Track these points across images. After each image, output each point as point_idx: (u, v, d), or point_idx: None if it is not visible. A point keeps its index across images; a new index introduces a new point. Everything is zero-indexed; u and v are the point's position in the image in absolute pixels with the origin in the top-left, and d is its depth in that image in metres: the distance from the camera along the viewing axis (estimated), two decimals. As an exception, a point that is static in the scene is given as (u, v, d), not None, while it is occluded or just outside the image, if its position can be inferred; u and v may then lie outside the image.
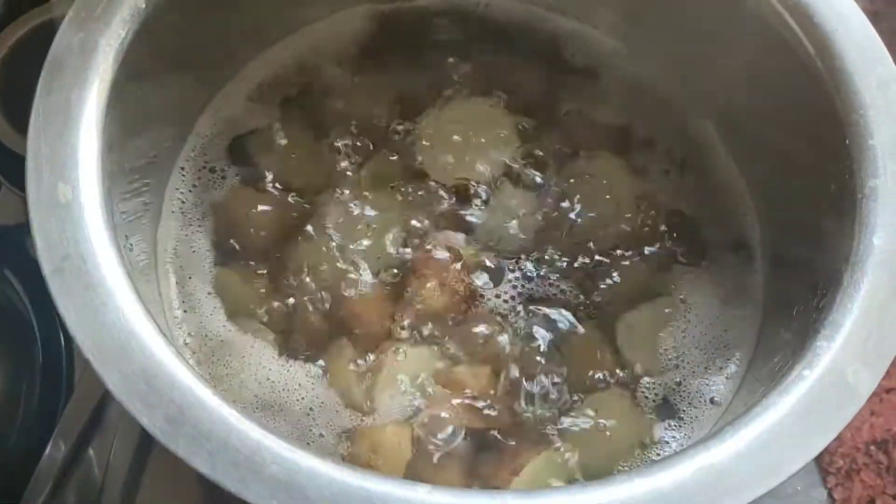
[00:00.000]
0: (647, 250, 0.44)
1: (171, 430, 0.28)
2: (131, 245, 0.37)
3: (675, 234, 0.44)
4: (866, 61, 0.36)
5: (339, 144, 0.46)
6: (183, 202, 0.44)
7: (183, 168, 0.44)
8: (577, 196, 0.45)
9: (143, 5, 0.36)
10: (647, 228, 0.44)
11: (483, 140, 0.46)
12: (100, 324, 0.29)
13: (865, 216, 0.33)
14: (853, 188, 0.34)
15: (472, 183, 0.46)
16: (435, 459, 0.39)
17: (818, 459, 0.62)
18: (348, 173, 0.46)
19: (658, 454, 0.40)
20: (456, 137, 0.47)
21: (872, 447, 0.72)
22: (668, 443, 0.40)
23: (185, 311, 0.41)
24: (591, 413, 0.40)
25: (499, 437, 0.39)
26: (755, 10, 0.40)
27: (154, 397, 0.28)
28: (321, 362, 0.41)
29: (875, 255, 0.32)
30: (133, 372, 0.28)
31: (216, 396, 0.29)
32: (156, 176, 0.42)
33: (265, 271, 0.43)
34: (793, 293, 0.38)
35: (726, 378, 0.41)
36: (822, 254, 0.35)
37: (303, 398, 0.40)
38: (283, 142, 0.46)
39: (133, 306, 0.30)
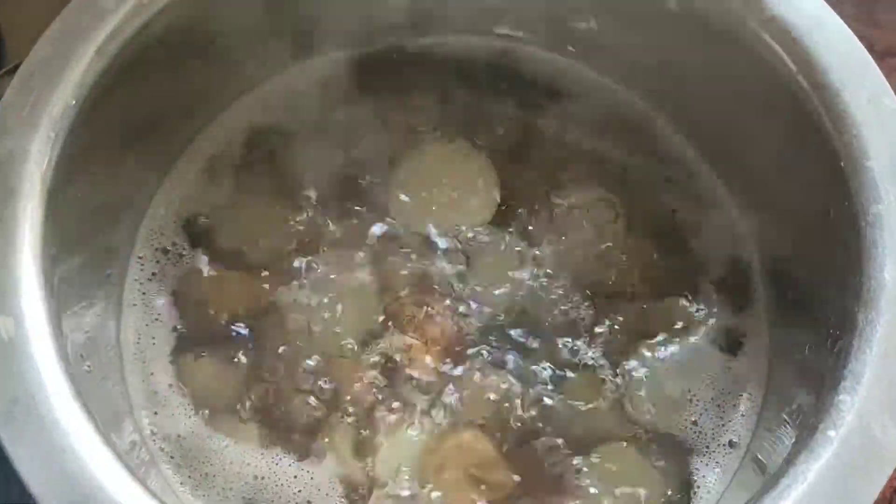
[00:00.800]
0: (640, 291, 0.41)
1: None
2: (89, 367, 0.35)
3: (667, 270, 0.42)
4: (853, 74, 0.34)
5: (304, 206, 0.44)
6: (143, 293, 0.41)
7: (141, 257, 0.41)
8: (562, 238, 0.43)
9: (73, 101, 0.33)
10: (637, 267, 0.42)
11: (458, 187, 0.44)
12: (60, 476, 0.26)
13: (871, 247, 0.31)
14: (854, 215, 0.32)
15: (450, 233, 0.43)
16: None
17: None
18: (317, 235, 0.43)
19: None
20: (430, 187, 0.44)
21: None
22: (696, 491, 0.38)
23: (155, 413, 0.38)
24: (602, 471, 0.38)
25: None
26: (729, 30, 0.37)
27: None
28: (313, 447, 0.39)
29: (888, 290, 0.30)
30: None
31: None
32: (111, 274, 0.39)
33: (238, 356, 0.40)
34: (800, 330, 0.36)
35: (742, 416, 0.39)
36: (827, 289, 0.33)
37: (299, 491, 0.38)
38: (244, 213, 0.44)
39: (95, 448, 0.27)
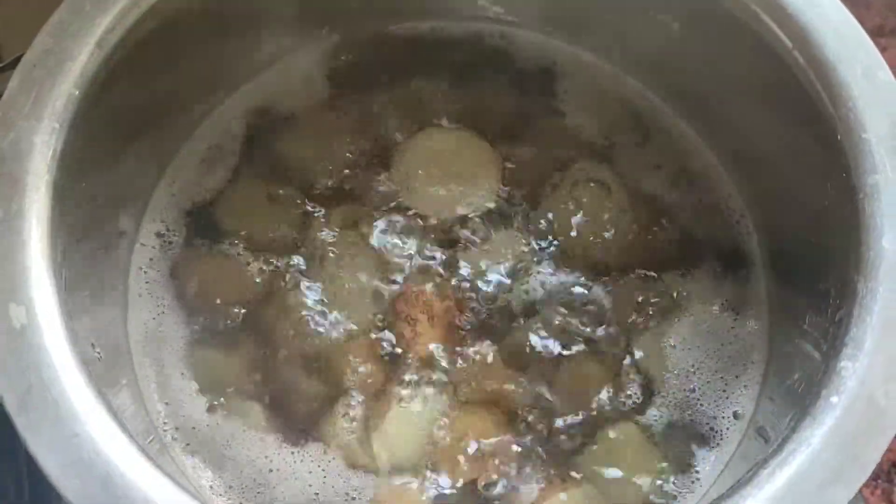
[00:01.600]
0: (641, 268, 0.42)
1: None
2: (99, 354, 0.35)
3: (670, 247, 0.43)
4: (847, 49, 0.35)
5: (305, 192, 0.44)
6: (148, 282, 0.41)
7: (144, 245, 0.42)
8: (566, 219, 0.43)
9: (76, 92, 0.33)
10: (638, 244, 0.43)
11: (462, 171, 0.44)
12: (76, 461, 0.27)
13: (870, 217, 0.31)
14: (852, 187, 0.33)
15: (455, 216, 0.43)
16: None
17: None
18: (319, 221, 0.43)
19: (694, 480, 0.38)
20: (433, 170, 0.45)
21: None
22: (698, 469, 0.38)
23: (166, 404, 0.39)
24: (604, 448, 0.38)
25: (512, 482, 0.38)
26: (727, 8, 0.38)
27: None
28: (318, 428, 0.39)
29: (888, 259, 0.30)
30: (120, 509, 0.26)
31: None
32: (117, 264, 0.40)
33: (243, 342, 0.41)
34: (800, 301, 0.36)
35: (744, 387, 0.40)
36: (827, 259, 0.34)
37: (309, 472, 0.38)
38: (245, 200, 0.44)
39: (109, 432, 0.28)
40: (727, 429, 0.39)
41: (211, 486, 0.37)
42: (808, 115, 0.35)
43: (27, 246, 0.30)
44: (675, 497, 0.38)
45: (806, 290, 0.36)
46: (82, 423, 0.27)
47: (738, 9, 0.38)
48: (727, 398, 0.40)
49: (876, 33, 0.91)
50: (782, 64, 0.36)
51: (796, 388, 0.33)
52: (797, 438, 0.28)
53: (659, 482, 0.38)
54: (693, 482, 0.38)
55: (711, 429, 0.39)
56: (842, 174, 0.33)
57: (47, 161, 0.32)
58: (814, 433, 0.28)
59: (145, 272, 0.42)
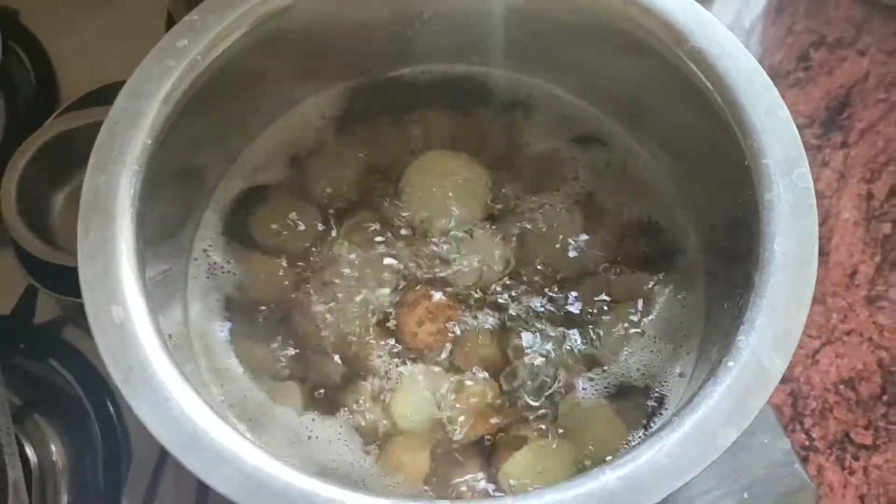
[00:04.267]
0: (604, 268, 0.52)
1: (239, 489, 0.35)
2: (175, 341, 0.45)
3: (624, 251, 0.52)
4: (755, 92, 0.44)
5: (324, 210, 0.53)
6: (200, 287, 0.51)
7: (196, 259, 0.51)
8: (532, 230, 0.52)
9: (149, 141, 0.43)
10: (592, 250, 0.52)
11: (457, 189, 0.54)
12: (169, 418, 0.36)
13: (766, 225, 0.40)
14: (755, 201, 0.42)
15: (449, 227, 0.53)
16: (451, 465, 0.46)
17: (793, 408, 0.71)
18: (334, 234, 0.53)
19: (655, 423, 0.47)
20: (433, 189, 0.54)
21: (841, 386, 0.80)
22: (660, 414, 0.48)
23: (221, 385, 0.48)
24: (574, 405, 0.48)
25: (506, 435, 0.47)
26: (663, 55, 0.47)
27: (223, 467, 0.35)
28: (343, 399, 0.48)
29: (777, 258, 0.39)
30: (203, 451, 0.36)
31: (270, 458, 0.36)
32: (180, 274, 0.49)
33: (277, 333, 0.50)
34: (722, 289, 0.45)
35: (687, 353, 0.49)
36: (738, 258, 0.43)
37: (338, 436, 0.47)
38: (277, 214, 0.53)
39: (190, 398, 0.37)
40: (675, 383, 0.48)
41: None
42: (726, 144, 0.44)
43: (120, 262, 0.40)
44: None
45: (725, 281, 0.45)
46: (170, 391, 0.37)
47: (673, 56, 0.47)
48: (675, 361, 0.49)
49: (837, 45, 1.00)
50: (707, 102, 0.46)
51: (714, 356, 0.43)
52: (702, 393, 0.37)
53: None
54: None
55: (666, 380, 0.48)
56: (748, 191, 0.43)
57: (130, 196, 0.41)
58: (715, 389, 0.37)
59: (197, 279, 0.51)
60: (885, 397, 0.79)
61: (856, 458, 0.77)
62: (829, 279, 0.85)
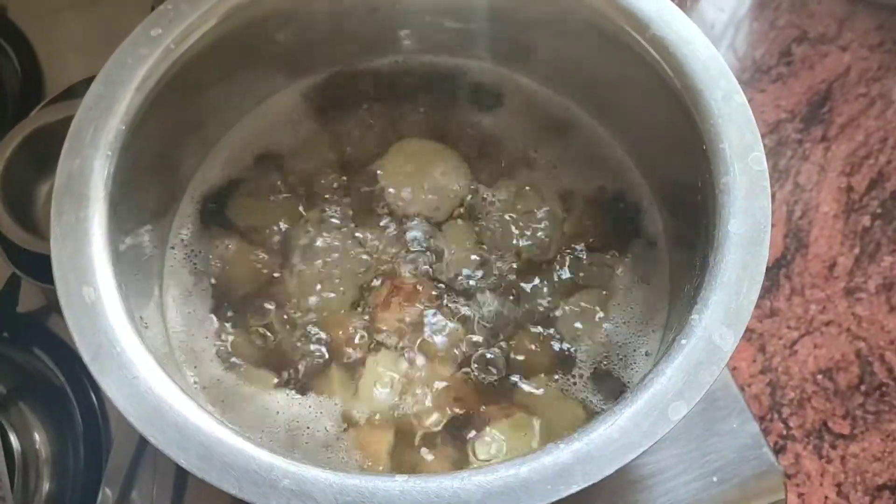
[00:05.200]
0: (572, 251, 0.53)
1: (203, 466, 0.36)
2: (146, 323, 0.46)
3: (595, 233, 0.53)
4: (712, 78, 0.45)
5: (302, 194, 0.55)
6: (176, 273, 0.52)
7: (173, 246, 0.53)
8: (506, 216, 0.54)
9: (123, 126, 0.44)
10: (565, 234, 0.53)
11: (436, 177, 0.55)
12: (135, 394, 0.37)
13: (722, 207, 0.41)
14: (712, 184, 0.43)
15: (426, 216, 0.54)
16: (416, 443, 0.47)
17: (771, 397, 0.71)
18: (312, 218, 0.54)
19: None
20: (412, 177, 0.55)
21: (819, 376, 0.81)
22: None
23: (195, 368, 0.49)
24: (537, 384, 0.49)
25: (474, 416, 0.48)
26: (627, 43, 0.48)
27: (186, 443, 0.36)
28: (316, 383, 0.49)
29: (730, 239, 0.40)
30: (167, 427, 0.37)
31: (234, 434, 0.37)
32: (156, 258, 0.50)
33: (252, 316, 0.51)
34: (683, 271, 0.46)
35: (652, 332, 0.50)
36: (696, 239, 0.44)
37: (314, 417, 0.48)
38: (253, 201, 0.54)
39: (158, 376, 0.38)
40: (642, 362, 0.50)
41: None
42: (686, 129, 0.45)
43: (92, 243, 0.41)
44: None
45: (686, 264, 0.46)
46: (138, 368, 0.38)
47: (636, 44, 0.48)
48: (641, 341, 0.50)
49: (819, 41, 1.01)
50: (668, 88, 0.47)
51: (671, 336, 0.43)
52: (656, 371, 0.38)
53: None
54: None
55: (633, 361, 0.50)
56: (706, 174, 0.44)
57: (104, 180, 0.43)
58: (668, 366, 0.38)
59: (173, 265, 0.52)
60: (862, 387, 0.80)
61: (833, 447, 0.78)
62: (809, 271, 0.86)
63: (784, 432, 0.78)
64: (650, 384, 0.38)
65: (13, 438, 0.57)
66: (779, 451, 0.78)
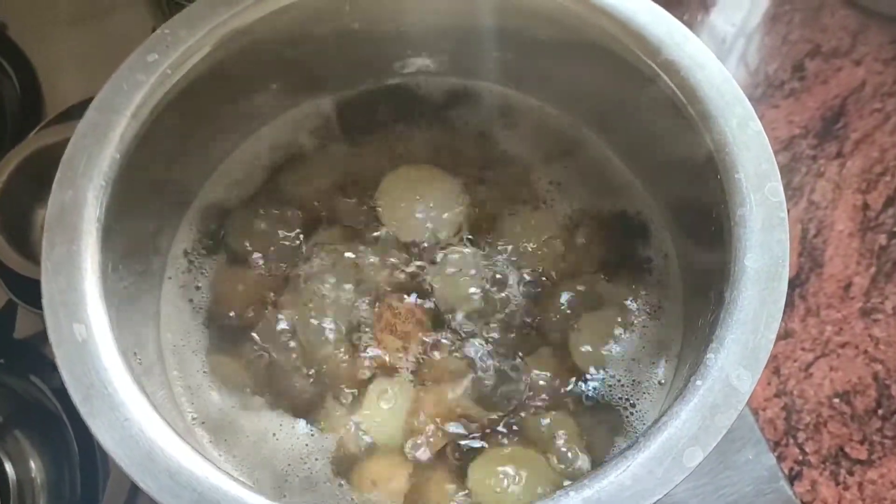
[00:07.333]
0: (580, 276, 0.51)
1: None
2: (140, 359, 0.44)
3: (606, 262, 0.51)
4: (727, 105, 0.43)
5: (301, 219, 0.53)
6: (175, 304, 0.51)
7: (171, 277, 0.51)
8: (510, 243, 0.52)
9: (118, 155, 0.43)
10: (572, 260, 0.52)
11: (433, 202, 0.53)
12: (127, 437, 0.36)
13: (737, 240, 0.40)
14: (727, 215, 0.41)
15: (425, 241, 0.52)
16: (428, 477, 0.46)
17: (786, 422, 0.70)
18: (310, 244, 0.53)
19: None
20: (409, 202, 0.53)
21: (835, 399, 0.79)
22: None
23: (192, 402, 0.48)
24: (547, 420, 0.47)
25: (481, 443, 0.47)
26: (638, 68, 0.46)
27: (179, 490, 0.35)
28: (313, 413, 0.48)
29: (748, 274, 0.39)
30: (160, 472, 0.35)
31: (229, 480, 0.35)
32: (151, 290, 0.49)
33: (253, 347, 0.49)
34: (697, 306, 0.45)
35: (665, 361, 0.48)
36: (711, 274, 0.42)
37: (307, 449, 0.47)
38: (252, 229, 0.53)
39: (151, 418, 0.37)
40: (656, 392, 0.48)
41: (220, 456, 0.46)
42: (700, 157, 0.44)
43: (84, 279, 0.39)
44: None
45: (701, 296, 0.45)
46: (130, 410, 0.36)
47: (647, 68, 0.46)
48: (655, 370, 0.48)
49: (832, 55, 0.99)
50: (681, 115, 0.45)
51: (686, 373, 0.42)
52: (669, 413, 0.36)
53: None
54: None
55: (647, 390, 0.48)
56: (721, 205, 0.42)
57: (98, 211, 0.41)
58: (682, 408, 0.36)
59: (170, 293, 0.51)
60: (880, 411, 0.78)
61: (850, 474, 0.75)
62: (824, 291, 0.84)
63: (800, 458, 0.76)
64: (663, 427, 0.36)
65: (8, 466, 0.56)
66: (794, 477, 0.75)
